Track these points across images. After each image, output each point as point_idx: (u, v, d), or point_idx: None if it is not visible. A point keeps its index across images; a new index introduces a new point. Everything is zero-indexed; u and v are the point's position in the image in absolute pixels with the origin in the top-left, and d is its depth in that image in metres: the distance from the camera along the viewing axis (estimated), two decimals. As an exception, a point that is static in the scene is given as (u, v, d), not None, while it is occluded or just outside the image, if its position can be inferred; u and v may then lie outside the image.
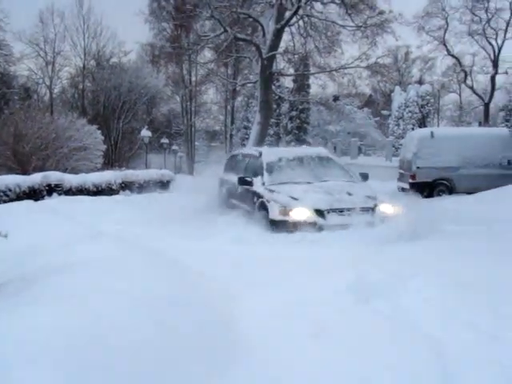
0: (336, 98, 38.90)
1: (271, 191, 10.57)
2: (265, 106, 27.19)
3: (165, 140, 46.63)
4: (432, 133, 18.64)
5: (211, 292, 5.35)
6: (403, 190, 18.90)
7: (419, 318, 4.85)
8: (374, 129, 49.86)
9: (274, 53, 26.96)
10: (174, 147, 51.86)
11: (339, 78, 29.75)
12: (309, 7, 27.15)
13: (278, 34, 26.68)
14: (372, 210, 9.99)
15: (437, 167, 17.74)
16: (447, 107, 59.50)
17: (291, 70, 32.69)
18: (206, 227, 11.22)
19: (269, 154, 12.30)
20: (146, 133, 35.78)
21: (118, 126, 41.98)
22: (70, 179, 18.26)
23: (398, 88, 50.68)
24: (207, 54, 33.85)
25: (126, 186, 19.46)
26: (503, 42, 49.33)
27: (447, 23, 50.35)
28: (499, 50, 49.72)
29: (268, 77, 27.15)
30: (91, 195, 16.98)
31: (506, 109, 46.15)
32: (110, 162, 34.67)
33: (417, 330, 4.61)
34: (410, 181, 18.11)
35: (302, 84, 32.54)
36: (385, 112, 52.49)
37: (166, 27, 34.91)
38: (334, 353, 4.19)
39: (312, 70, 31.29)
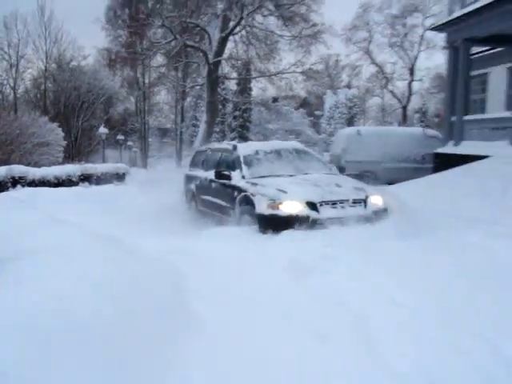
0: (275, 100, 38.92)
1: (254, 184, 8.96)
2: (211, 106, 27.21)
3: (121, 136, 46.41)
4: (358, 131, 18.79)
5: (167, 274, 5.17)
6: (334, 181, 19.02)
7: (346, 293, 4.85)
8: (308, 127, 50.07)
9: (219, 59, 26.97)
10: (129, 143, 51.56)
11: (277, 81, 30.03)
12: (250, 18, 27.17)
13: (222, 42, 26.72)
14: (364, 201, 8.50)
15: (362, 161, 17.85)
16: (372, 109, 60.29)
17: (235, 74, 32.69)
18: (165, 218, 11.03)
19: (244, 147, 10.67)
20: (103, 130, 35.46)
21: (78, 124, 41.43)
22: (34, 172, 17.93)
23: (329, 91, 51.16)
24: (159, 59, 33.54)
25: (84, 178, 19.07)
26: (418, 54, 50.74)
27: (371, 36, 51.50)
28: (415, 60, 51.08)
29: (214, 80, 27.12)
30: (53, 187, 16.54)
31: (421, 111, 47.39)
32: (70, 157, 34.09)
33: (344, 303, 4.61)
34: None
35: (244, 87, 32.49)
36: (318, 112, 52.93)
37: (121, 34, 34.44)
38: (271, 322, 4.21)
39: (253, 74, 31.30)
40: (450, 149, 16.68)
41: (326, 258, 6.03)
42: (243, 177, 9.44)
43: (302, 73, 28.80)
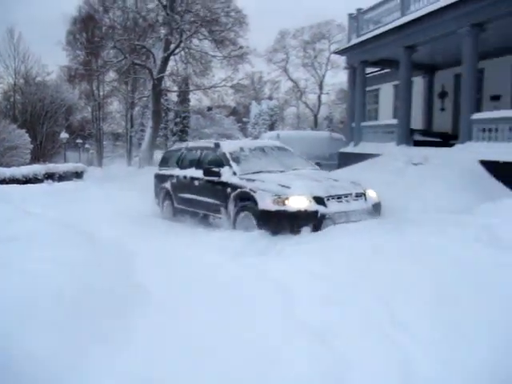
0: (209, 109, 38.89)
1: (251, 180, 7.56)
2: (155, 114, 27.12)
3: (79, 140, 45.50)
4: (278, 134, 19.05)
5: (120, 255, 5.09)
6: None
7: (275, 269, 4.95)
8: (238, 131, 50.24)
9: (162, 75, 26.87)
10: (87, 146, 50.55)
11: (211, 94, 30.32)
12: (188, 41, 27.22)
13: (165, 61, 26.66)
14: (364, 195, 7.48)
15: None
16: (289, 117, 61.06)
17: (175, 88, 32.58)
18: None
19: (227, 144, 9.13)
20: (64, 135, 34.92)
21: (42, 130, 40.34)
22: (4, 171, 17.69)
23: (254, 102, 51.41)
24: (111, 75, 32.98)
25: (48, 176, 18.82)
26: (325, 72, 52.10)
27: (288, 57, 52.36)
28: (323, 78, 52.32)
29: (158, 92, 27.02)
30: (21, 184, 16.25)
31: (328, 118, 48.51)
32: (36, 158, 33.15)
33: (270, 278, 4.66)
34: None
35: (184, 98, 32.40)
36: (245, 119, 53.06)
37: (79, 54, 33.67)
38: (211, 294, 4.18)
39: (191, 87, 31.27)
40: (351, 149, 17.11)
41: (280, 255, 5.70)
42: (234, 173, 7.99)
43: (232, 87, 29.22)
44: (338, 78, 55.87)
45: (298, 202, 6.75)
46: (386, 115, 20.34)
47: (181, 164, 10.08)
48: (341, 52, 19.39)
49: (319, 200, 6.86)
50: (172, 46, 26.56)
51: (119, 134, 52.49)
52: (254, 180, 7.53)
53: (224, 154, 8.57)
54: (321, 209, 6.78)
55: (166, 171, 10.61)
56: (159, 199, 10.68)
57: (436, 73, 18.41)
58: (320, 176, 7.93)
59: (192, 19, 26.02)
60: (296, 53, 52.32)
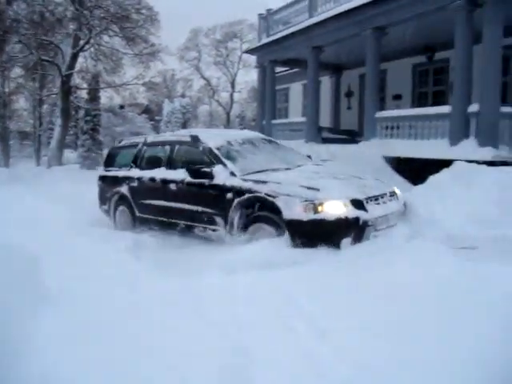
0: (121, 107, 38.04)
1: (260, 182, 5.96)
2: (65, 112, 26.16)
3: (-17, 139, 42.78)
4: (191, 133, 19.01)
5: (24, 258, 4.44)
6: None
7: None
8: (150, 130, 49.43)
9: (71, 71, 25.89)
10: (-9, 145, 47.67)
11: (122, 91, 29.65)
12: (98, 38, 26.33)
13: (74, 57, 25.69)
14: (395, 194, 6.31)
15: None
16: (202, 114, 60.84)
17: (85, 85, 31.47)
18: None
19: (209, 137, 7.21)
20: (-35, 133, 32.77)
21: None
22: None
23: (166, 100, 50.83)
24: (17, 71, 31.31)
25: None
26: (237, 71, 52.43)
27: (200, 55, 52.10)
28: (235, 76, 52.59)
29: (67, 90, 26.02)
30: None
31: (240, 116, 48.76)
32: None
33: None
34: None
35: (94, 95, 31.22)
36: (158, 117, 52.40)
37: (-20, 48, 31.70)
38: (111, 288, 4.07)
39: (102, 85, 30.26)
40: (262, 146, 17.34)
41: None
42: (232, 174, 6.34)
43: (143, 84, 28.73)
44: (249, 76, 56.39)
45: (336, 208, 5.37)
46: (296, 113, 20.79)
47: (140, 163, 8.20)
48: (251, 51, 19.56)
49: (358, 204, 5.50)
50: (81, 43, 25.59)
51: (27, 132, 50.01)
52: (265, 182, 5.93)
53: (210, 149, 6.82)
54: (362, 214, 5.42)
55: (117, 172, 8.70)
56: (109, 206, 8.78)
57: (343, 73, 19.04)
58: (337, 173, 6.47)
59: (102, 15, 25.18)
60: (208, 51, 52.28)
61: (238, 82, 53.93)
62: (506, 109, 9.89)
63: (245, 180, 6.11)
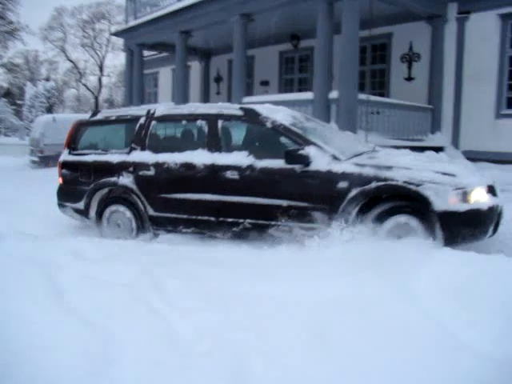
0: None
1: (385, 168, 4.75)
2: None
3: None
4: (54, 118, 17.83)
5: None
6: (34, 162, 17.67)
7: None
8: (12, 115, 45.87)
9: None
10: None
11: (-22, 72, 26.90)
12: None
13: None
14: None
15: (58, 144, 16.95)
16: (69, 99, 57.67)
17: None
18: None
19: (270, 110, 5.58)
20: None
21: None
22: None
23: (29, 83, 47.39)
24: None
25: None
26: (106, 54, 50.26)
27: (66, 36, 49.24)
28: (103, 59, 50.43)
29: None
30: None
31: (109, 101, 47.05)
32: None
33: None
34: (39, 155, 17.07)
35: None
36: (20, 102, 48.78)
37: None
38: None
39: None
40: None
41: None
42: (335, 157, 4.97)
43: (2, 65, 26.34)
44: (119, 59, 54.33)
45: (483, 195, 4.59)
46: (165, 98, 20.36)
47: (151, 144, 6.03)
48: (119, 34, 18.83)
49: (493, 190, 4.76)
50: None
51: None
52: (390, 167, 4.75)
53: (285, 127, 5.27)
54: (499, 202, 4.71)
55: (102, 157, 6.35)
56: (88, 204, 6.42)
57: (212, 58, 18.92)
58: (419, 155, 5.68)
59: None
60: (74, 32, 49.54)
61: (106, 66, 51.92)
62: (363, 96, 10.33)
63: (359, 165, 4.84)
